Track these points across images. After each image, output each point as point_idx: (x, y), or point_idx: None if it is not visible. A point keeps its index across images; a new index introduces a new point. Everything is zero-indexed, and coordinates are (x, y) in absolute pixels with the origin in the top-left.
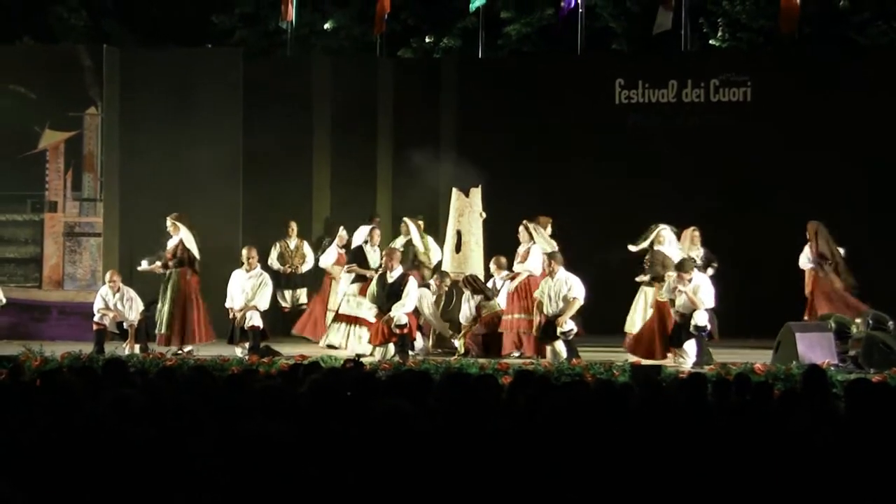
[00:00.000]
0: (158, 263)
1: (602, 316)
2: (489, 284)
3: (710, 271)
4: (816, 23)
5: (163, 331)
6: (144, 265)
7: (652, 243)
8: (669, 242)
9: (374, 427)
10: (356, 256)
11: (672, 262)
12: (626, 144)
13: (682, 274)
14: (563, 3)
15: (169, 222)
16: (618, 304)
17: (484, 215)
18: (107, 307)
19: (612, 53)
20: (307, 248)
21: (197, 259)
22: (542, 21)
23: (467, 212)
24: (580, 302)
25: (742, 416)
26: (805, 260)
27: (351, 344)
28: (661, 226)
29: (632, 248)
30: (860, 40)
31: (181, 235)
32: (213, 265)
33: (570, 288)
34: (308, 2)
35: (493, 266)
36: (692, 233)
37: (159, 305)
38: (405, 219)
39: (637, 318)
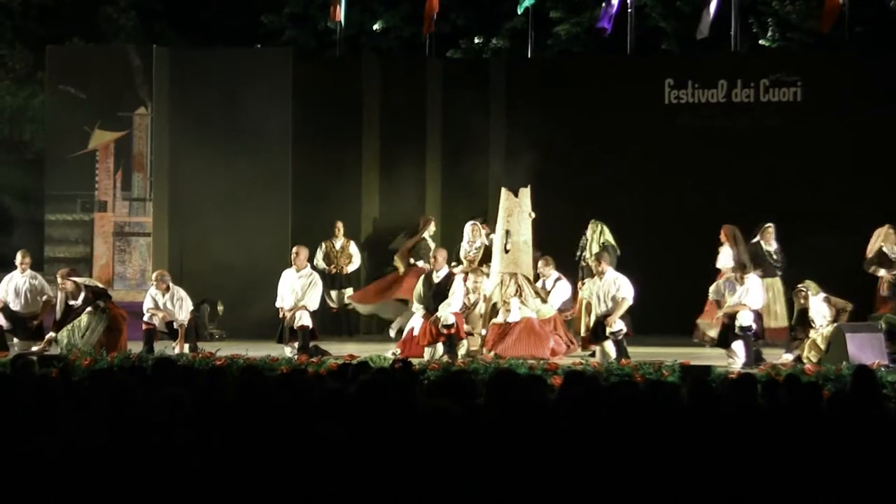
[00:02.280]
0: (51, 335)
1: (654, 315)
2: (538, 284)
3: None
4: (868, 23)
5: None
6: (34, 348)
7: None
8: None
9: (420, 427)
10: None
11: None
12: (676, 145)
13: (742, 275)
14: (603, 12)
15: (62, 282)
16: (668, 303)
17: (533, 215)
18: (156, 307)
19: (661, 53)
20: (354, 248)
21: (104, 289)
22: (592, 21)
23: (516, 212)
24: (629, 302)
25: (792, 416)
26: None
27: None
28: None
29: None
30: None
31: (83, 285)
32: (262, 264)
33: (618, 288)
34: (357, 2)
35: (541, 266)
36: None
37: (87, 335)
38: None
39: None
